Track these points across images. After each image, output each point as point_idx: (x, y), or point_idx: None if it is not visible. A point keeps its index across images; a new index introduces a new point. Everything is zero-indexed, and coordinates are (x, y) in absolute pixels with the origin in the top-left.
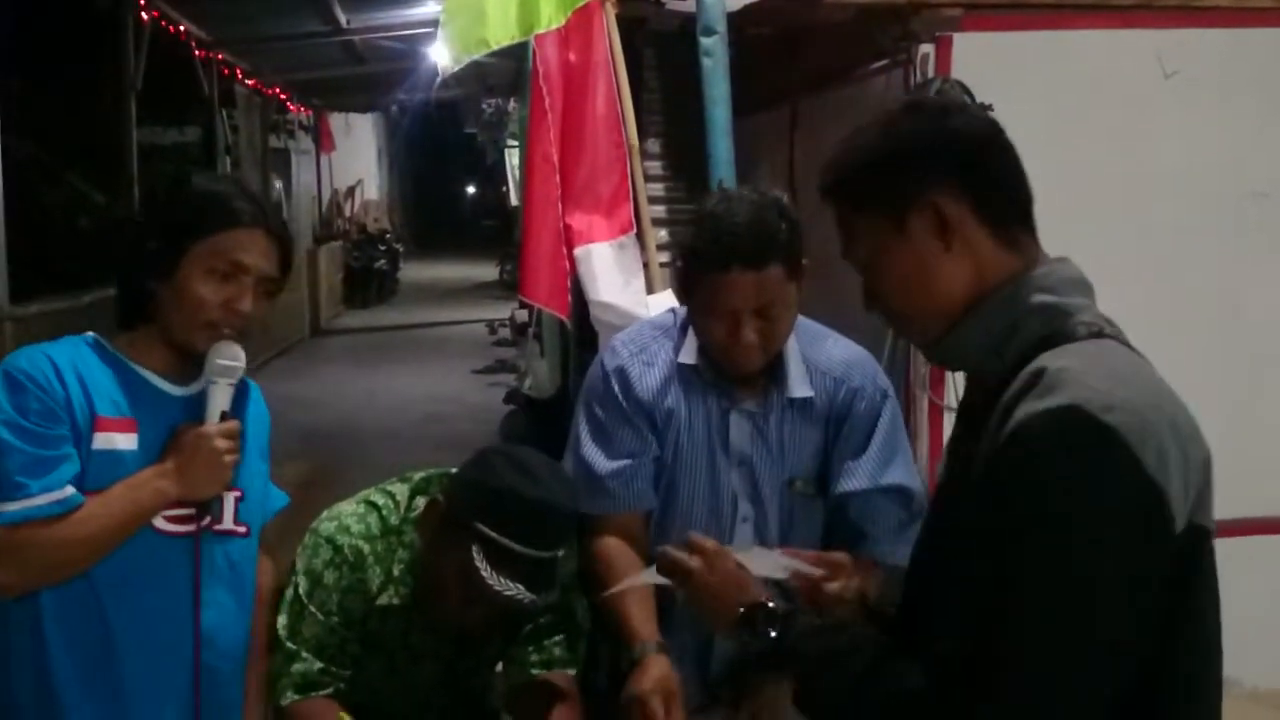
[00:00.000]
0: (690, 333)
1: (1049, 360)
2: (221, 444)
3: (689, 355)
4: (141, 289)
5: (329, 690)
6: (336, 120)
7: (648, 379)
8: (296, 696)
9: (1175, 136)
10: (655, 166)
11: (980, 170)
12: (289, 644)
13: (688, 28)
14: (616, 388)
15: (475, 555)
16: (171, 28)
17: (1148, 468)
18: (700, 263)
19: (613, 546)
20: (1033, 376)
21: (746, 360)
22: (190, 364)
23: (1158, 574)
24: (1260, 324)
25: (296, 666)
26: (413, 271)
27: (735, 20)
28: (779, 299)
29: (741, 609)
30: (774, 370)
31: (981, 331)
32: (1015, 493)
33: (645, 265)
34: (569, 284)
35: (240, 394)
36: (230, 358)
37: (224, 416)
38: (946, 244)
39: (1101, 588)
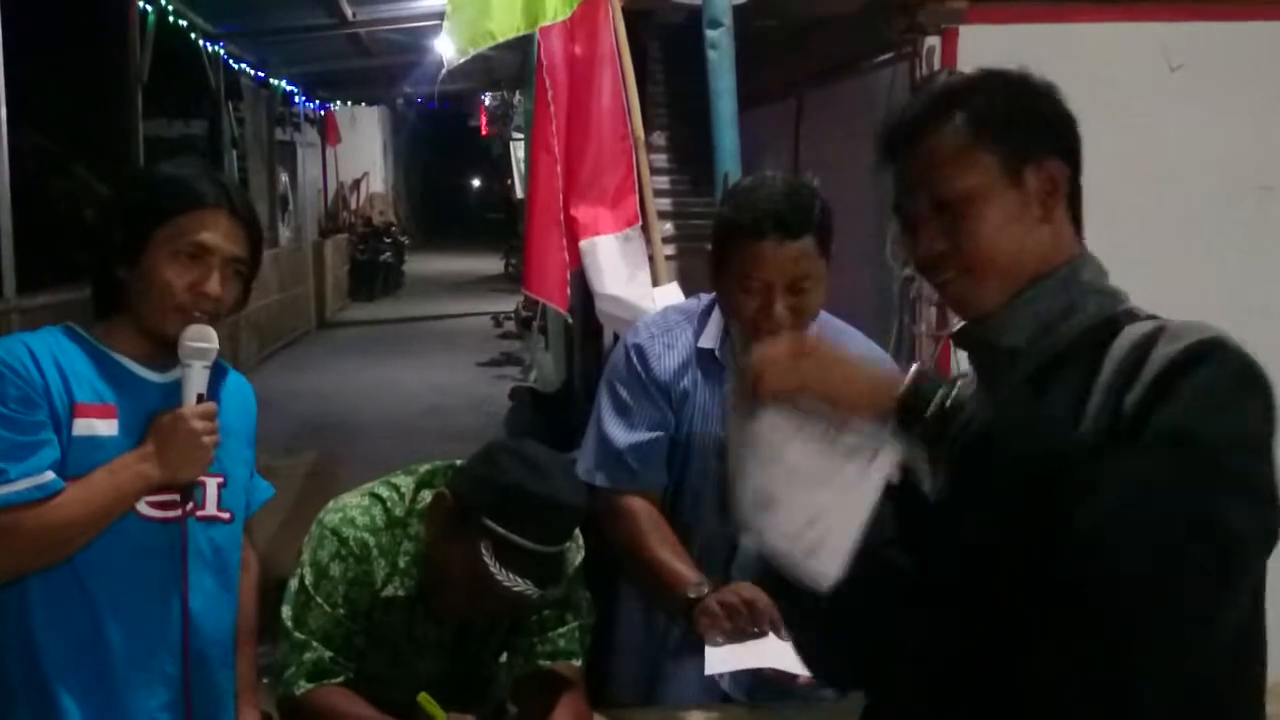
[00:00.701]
0: (713, 318)
1: (1155, 321)
2: (199, 425)
3: (709, 340)
4: (112, 277)
5: (340, 679)
6: (342, 113)
7: (666, 360)
8: (310, 685)
9: (1181, 130)
10: (660, 159)
11: (1078, 156)
12: (297, 634)
13: (693, 20)
14: (637, 364)
15: (483, 551)
16: (178, 20)
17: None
18: (735, 232)
19: (637, 503)
20: (1154, 331)
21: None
22: (167, 351)
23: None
24: (1266, 319)
25: (308, 655)
26: (418, 264)
27: (741, 13)
28: (811, 273)
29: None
30: None
31: (1039, 308)
32: (1172, 406)
33: (650, 258)
34: (568, 277)
35: (218, 379)
36: (201, 339)
37: (200, 399)
38: (1045, 211)
39: (1238, 517)
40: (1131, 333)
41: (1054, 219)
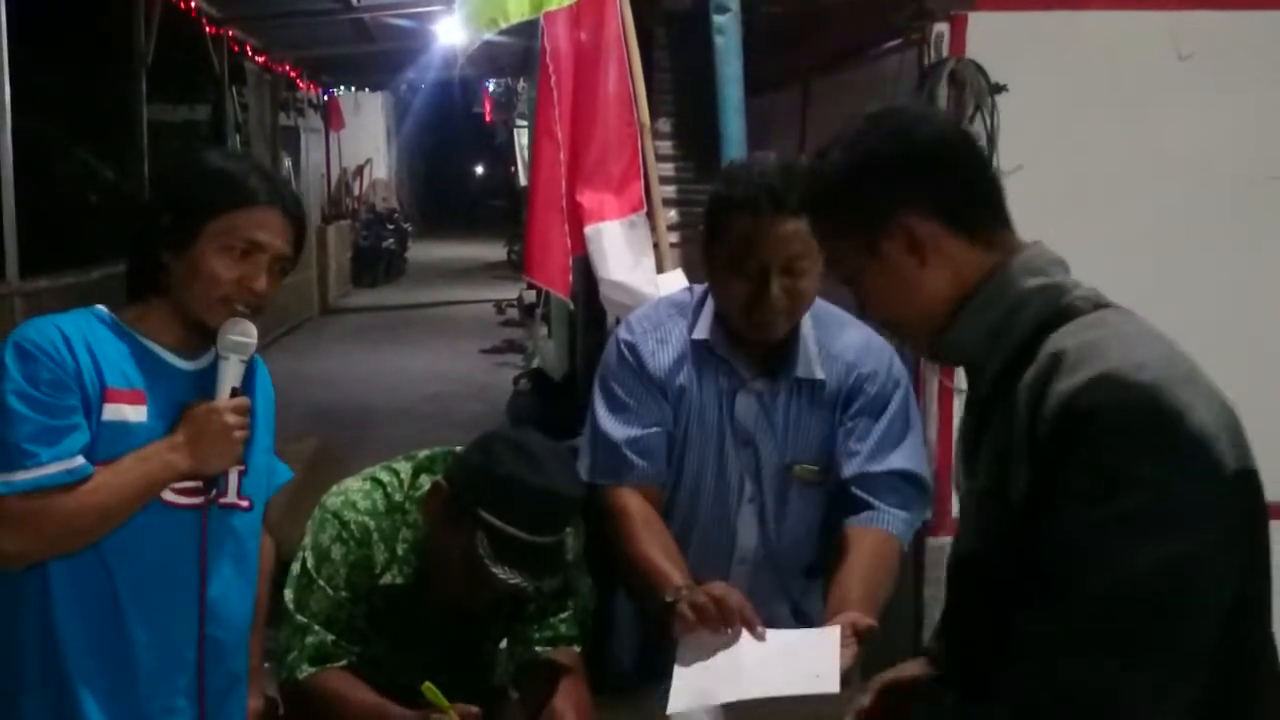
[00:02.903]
0: (706, 309)
1: (1064, 340)
2: (232, 419)
3: (703, 331)
4: (154, 262)
5: (343, 662)
6: (345, 99)
7: (661, 356)
8: (313, 669)
9: (1189, 119)
10: (665, 146)
11: (948, 183)
12: (299, 617)
13: (700, 6)
14: (631, 361)
15: (479, 543)
16: (182, 4)
17: (1193, 415)
18: (727, 209)
19: (632, 499)
20: (1053, 359)
21: (770, 325)
22: (200, 339)
23: (1222, 520)
24: (1271, 309)
25: (310, 639)
26: (421, 251)
27: None
28: (807, 253)
29: None
30: (785, 351)
31: (976, 327)
32: (1073, 467)
33: (655, 245)
34: (570, 263)
35: (249, 369)
36: (243, 334)
37: (235, 393)
38: (921, 260)
39: (1180, 543)
40: (1041, 357)
41: (938, 258)
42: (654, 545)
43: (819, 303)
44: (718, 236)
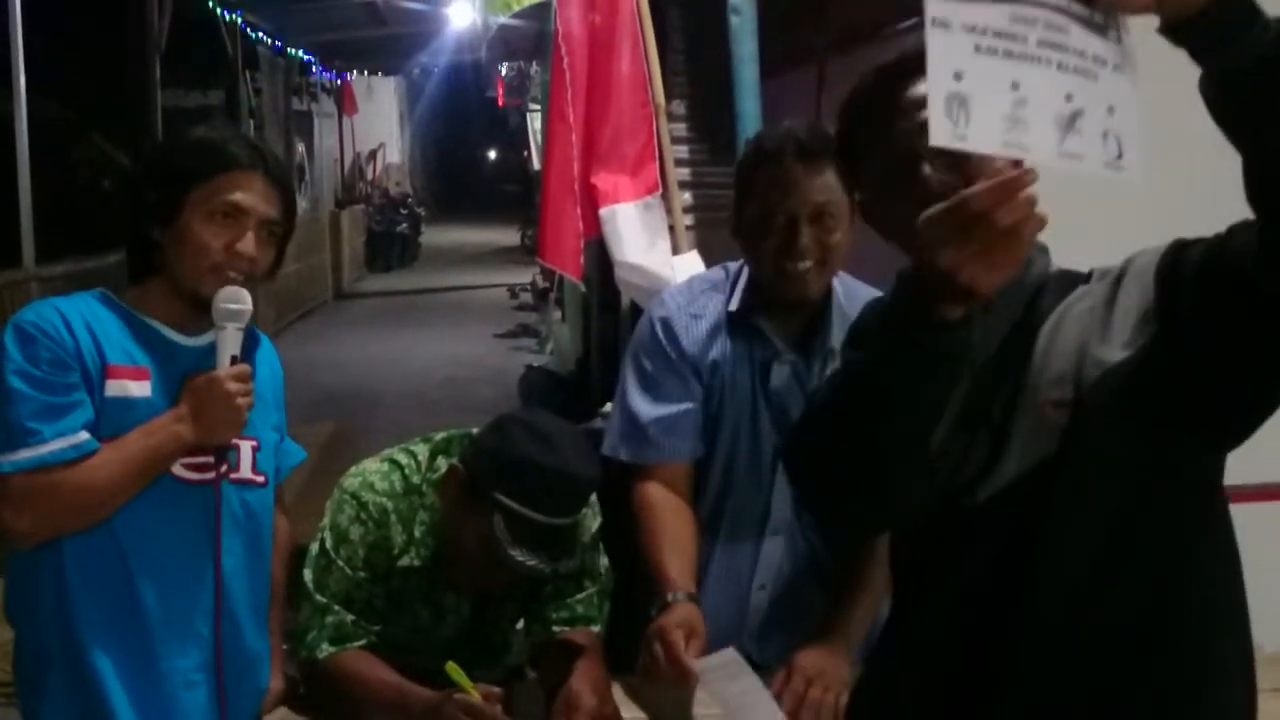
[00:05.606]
0: (741, 283)
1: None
2: (234, 387)
3: (737, 303)
4: (147, 240)
5: (362, 642)
6: (358, 83)
7: (694, 331)
8: (333, 649)
9: None
10: (679, 129)
11: None
12: (318, 597)
13: None
14: (663, 338)
15: (496, 525)
16: None
17: None
18: (757, 161)
19: (655, 492)
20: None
21: (803, 278)
22: (200, 314)
23: None
24: None
25: (330, 619)
26: (434, 236)
27: None
28: (835, 206)
29: None
30: (817, 319)
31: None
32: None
33: (670, 227)
34: (582, 246)
35: (249, 343)
36: (236, 301)
37: (234, 361)
38: None
39: None
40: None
41: None
42: (668, 547)
43: (845, 277)
44: (748, 192)
